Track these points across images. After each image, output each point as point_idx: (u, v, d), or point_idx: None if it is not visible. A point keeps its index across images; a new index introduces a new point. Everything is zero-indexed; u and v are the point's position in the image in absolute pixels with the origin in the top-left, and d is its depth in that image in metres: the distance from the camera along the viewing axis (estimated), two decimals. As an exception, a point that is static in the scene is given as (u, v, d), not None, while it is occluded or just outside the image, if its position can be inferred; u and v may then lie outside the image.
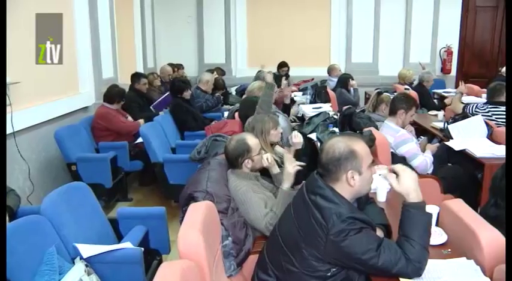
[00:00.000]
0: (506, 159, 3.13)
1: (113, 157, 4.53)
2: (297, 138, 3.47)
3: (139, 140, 4.84)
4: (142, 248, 2.56)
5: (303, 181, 2.15)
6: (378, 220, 2.15)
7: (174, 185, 4.31)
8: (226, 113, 5.53)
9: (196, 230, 1.97)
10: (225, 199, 2.58)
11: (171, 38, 9.08)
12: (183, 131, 5.51)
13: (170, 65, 7.87)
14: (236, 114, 4.65)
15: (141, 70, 7.22)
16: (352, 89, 6.64)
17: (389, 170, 1.90)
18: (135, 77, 6.09)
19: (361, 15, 8.83)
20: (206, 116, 5.92)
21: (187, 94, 5.70)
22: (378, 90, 5.08)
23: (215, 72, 7.21)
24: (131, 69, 6.63)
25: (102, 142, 4.93)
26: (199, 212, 2.14)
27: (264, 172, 2.94)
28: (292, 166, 2.69)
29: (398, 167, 1.86)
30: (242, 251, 2.46)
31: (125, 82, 6.10)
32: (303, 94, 6.77)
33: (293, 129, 5.04)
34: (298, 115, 5.75)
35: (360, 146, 1.94)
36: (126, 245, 2.59)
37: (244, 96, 5.41)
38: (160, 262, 2.85)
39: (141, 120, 5.30)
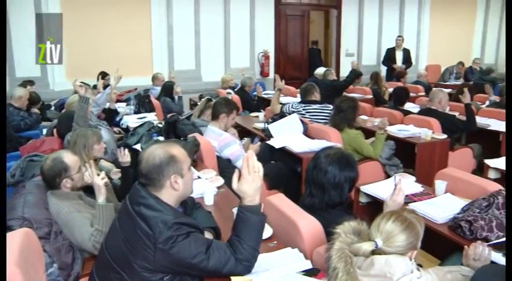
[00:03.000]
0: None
1: None
2: (125, 157, 3.30)
3: None
4: None
5: None
6: (207, 223, 2.20)
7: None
8: (45, 131, 5.13)
9: (11, 264, 1.78)
10: (45, 223, 2.40)
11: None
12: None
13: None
14: (55, 130, 4.37)
15: None
16: (176, 96, 6.66)
17: (237, 173, 1.88)
18: None
19: (181, 23, 8.88)
20: (22, 134, 5.43)
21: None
22: (207, 97, 5.19)
23: (29, 87, 6.64)
24: None
25: None
26: (14, 243, 1.94)
27: (88, 189, 2.79)
28: (100, 179, 2.59)
29: (245, 171, 1.84)
30: (71, 276, 2.32)
31: None
32: (126, 105, 6.61)
33: (119, 140, 4.89)
34: (123, 126, 5.60)
35: (177, 151, 1.99)
36: None
37: (63, 111, 5.10)
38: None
39: None
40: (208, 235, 2.11)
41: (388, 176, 4.25)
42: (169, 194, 1.94)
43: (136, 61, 8.39)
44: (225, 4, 9.34)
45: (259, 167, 1.86)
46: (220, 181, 3.21)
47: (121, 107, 6.46)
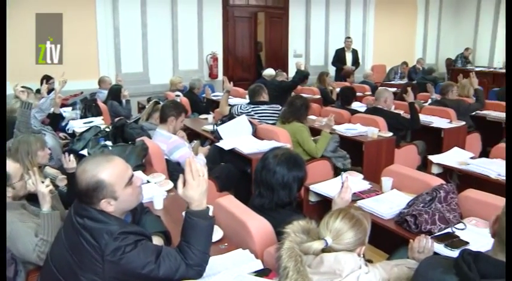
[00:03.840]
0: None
1: None
2: (70, 163, 3.17)
3: None
4: None
5: None
6: (156, 228, 2.16)
7: None
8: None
9: None
10: (-17, 235, 2.29)
11: None
12: None
13: None
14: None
15: None
16: (124, 100, 6.53)
17: (181, 179, 1.84)
18: None
19: (128, 24, 8.69)
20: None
21: None
22: (155, 100, 5.11)
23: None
24: None
25: None
26: None
27: (32, 198, 2.68)
28: (45, 186, 2.48)
29: (189, 176, 1.79)
30: (13, 290, 2.22)
31: None
32: (72, 109, 6.42)
33: (64, 146, 4.76)
34: (69, 132, 5.45)
35: (108, 173, 1.83)
36: None
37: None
38: None
39: None
40: (158, 240, 2.08)
41: (336, 168, 4.33)
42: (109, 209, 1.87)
43: (82, 64, 8.14)
44: (173, 5, 9.22)
45: (203, 171, 1.83)
46: (170, 184, 3.18)
47: (66, 111, 6.28)
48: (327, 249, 1.76)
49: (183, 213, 1.87)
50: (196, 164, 1.81)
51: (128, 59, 8.80)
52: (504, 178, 3.45)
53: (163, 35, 9.25)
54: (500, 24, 12.49)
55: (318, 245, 1.75)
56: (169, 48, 9.38)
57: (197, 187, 1.79)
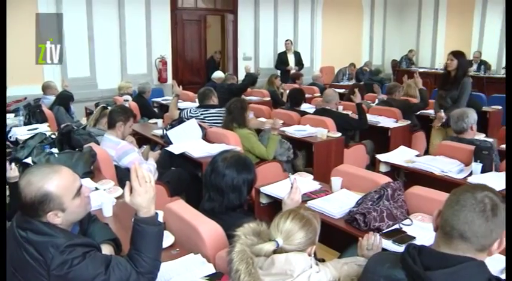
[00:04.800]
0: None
1: None
2: (13, 172, 3.02)
3: None
4: None
5: None
6: (105, 236, 2.11)
7: None
8: None
9: None
10: None
11: None
12: None
13: None
14: None
15: None
16: (72, 106, 6.36)
17: (128, 186, 1.81)
18: None
19: (73, 27, 8.42)
20: None
21: None
22: (102, 105, 4.99)
23: None
24: None
25: None
26: None
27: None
28: None
29: (136, 183, 1.76)
30: None
31: None
32: (15, 116, 6.17)
33: (7, 154, 4.57)
34: (11, 139, 5.24)
35: (55, 184, 1.76)
36: None
37: None
38: None
39: None
40: (107, 249, 2.02)
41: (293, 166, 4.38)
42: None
43: (25, 68, 7.84)
44: (120, 8, 9.07)
45: (150, 177, 1.80)
46: (119, 191, 3.11)
47: (9, 118, 6.04)
48: (278, 250, 1.78)
49: (133, 220, 1.83)
50: (142, 170, 1.78)
51: (74, 63, 8.56)
52: (448, 174, 3.59)
53: (111, 38, 9.08)
54: (439, 28, 13.00)
55: (269, 246, 1.76)
56: (117, 52, 9.23)
57: (144, 193, 1.77)
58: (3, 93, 3.20)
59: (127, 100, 6.74)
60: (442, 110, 4.91)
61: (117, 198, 3.00)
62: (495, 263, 2.06)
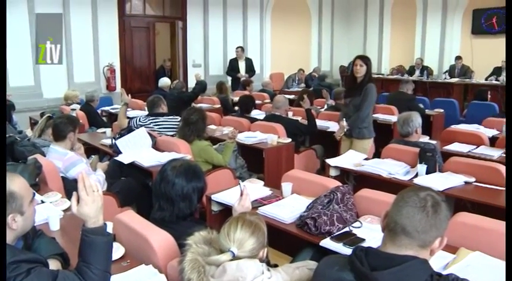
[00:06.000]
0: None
1: None
2: None
3: None
4: None
5: None
6: (52, 251, 2.04)
7: None
8: None
9: None
10: None
11: None
12: None
13: None
14: None
15: None
16: (14, 116, 6.15)
17: (75, 196, 1.77)
18: None
19: (15, 34, 8.05)
20: None
21: None
22: (48, 115, 4.84)
23: None
24: None
25: None
26: None
27: None
28: None
29: (83, 193, 1.74)
30: None
31: None
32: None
33: None
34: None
35: (18, 185, 1.77)
36: None
37: None
38: None
39: None
40: (54, 264, 1.96)
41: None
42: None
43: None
44: (65, 14, 8.74)
45: (97, 186, 1.77)
46: (67, 203, 3.02)
47: None
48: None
49: (80, 231, 1.79)
50: (89, 179, 1.75)
51: (16, 71, 8.20)
52: (395, 176, 3.69)
53: (56, 46, 8.82)
54: (384, 34, 13.41)
55: (225, 257, 1.76)
56: (63, 59, 8.94)
57: (92, 203, 1.74)
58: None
59: (74, 109, 6.58)
60: (344, 119, 4.73)
61: (65, 211, 2.91)
62: (440, 260, 2.16)
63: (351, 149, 4.58)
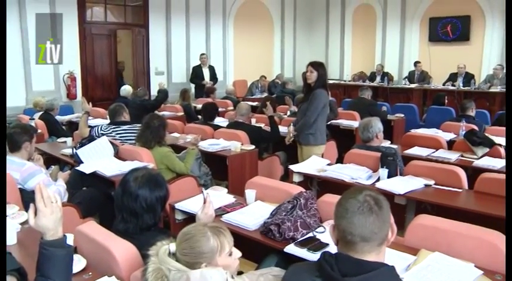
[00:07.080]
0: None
1: None
2: None
3: None
4: None
5: None
6: (8, 266, 1.98)
7: None
8: None
9: None
10: None
11: None
12: None
13: None
14: None
15: None
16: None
17: (32, 208, 1.70)
18: None
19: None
20: None
21: None
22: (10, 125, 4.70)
23: None
24: None
25: None
26: None
27: None
28: None
29: (41, 204, 1.68)
30: None
31: None
32: None
33: None
34: None
35: None
36: None
37: None
38: None
39: None
40: (11, 280, 1.91)
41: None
42: None
43: None
44: (21, 21, 8.54)
45: (56, 197, 1.73)
46: (24, 216, 2.94)
47: None
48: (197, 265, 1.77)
49: (38, 244, 1.75)
50: (48, 190, 1.71)
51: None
52: (358, 180, 3.75)
53: (13, 52, 8.47)
54: (346, 41, 13.64)
55: (164, 249, 1.79)
56: (20, 67, 8.71)
57: (50, 214, 1.69)
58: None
59: (33, 119, 6.42)
60: (291, 124, 4.80)
61: (22, 224, 2.83)
62: (402, 262, 2.21)
63: (302, 155, 4.62)
